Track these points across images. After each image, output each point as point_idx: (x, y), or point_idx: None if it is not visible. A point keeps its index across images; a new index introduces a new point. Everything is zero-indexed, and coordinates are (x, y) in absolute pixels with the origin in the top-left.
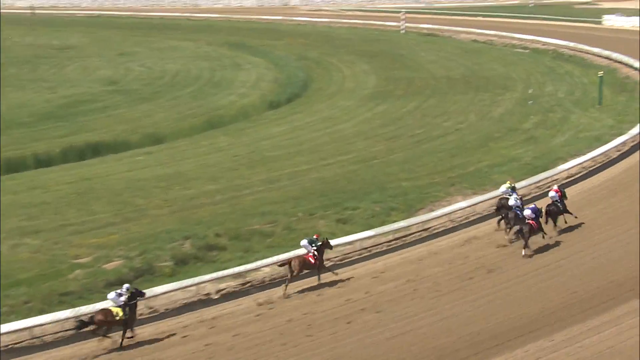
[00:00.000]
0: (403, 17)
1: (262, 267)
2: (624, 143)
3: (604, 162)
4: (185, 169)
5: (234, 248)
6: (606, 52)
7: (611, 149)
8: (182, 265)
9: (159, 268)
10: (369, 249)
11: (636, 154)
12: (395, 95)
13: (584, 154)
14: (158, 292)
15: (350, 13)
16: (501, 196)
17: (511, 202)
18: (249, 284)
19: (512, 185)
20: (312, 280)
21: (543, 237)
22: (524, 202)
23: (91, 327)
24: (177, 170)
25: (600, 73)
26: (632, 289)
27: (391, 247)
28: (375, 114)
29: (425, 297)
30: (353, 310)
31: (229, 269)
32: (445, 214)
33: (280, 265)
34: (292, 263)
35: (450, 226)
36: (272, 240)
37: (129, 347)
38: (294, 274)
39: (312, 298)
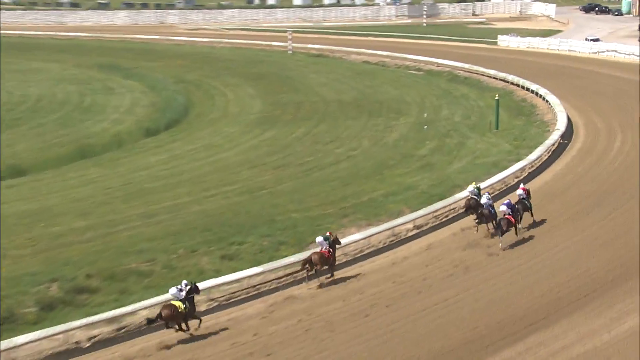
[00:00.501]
0: (290, 36)
1: (140, 310)
2: (522, 169)
3: (502, 189)
4: (52, 203)
5: (107, 290)
6: (502, 74)
7: (509, 175)
8: (49, 311)
9: (21, 315)
10: (257, 286)
11: (535, 181)
12: (283, 120)
13: (482, 181)
14: (20, 342)
15: (233, 32)
16: (469, 197)
17: (483, 200)
18: (125, 330)
19: (478, 185)
20: (191, 325)
21: (517, 233)
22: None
23: (160, 322)
24: (42, 205)
25: (497, 96)
26: (532, 323)
27: (281, 284)
28: (262, 141)
29: (318, 338)
30: (240, 355)
31: (101, 313)
32: (339, 247)
33: (303, 265)
34: (313, 258)
35: (344, 260)
36: (150, 281)
37: None
38: (317, 268)
39: (195, 344)
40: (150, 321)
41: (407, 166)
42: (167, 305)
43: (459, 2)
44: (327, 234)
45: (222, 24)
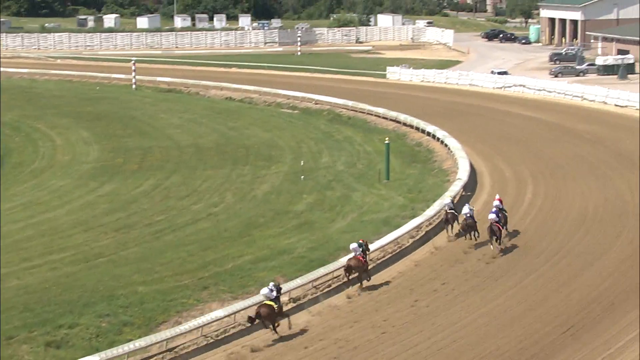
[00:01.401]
0: (134, 67)
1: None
2: (418, 227)
3: (396, 251)
4: None
5: None
6: (393, 113)
7: (404, 234)
8: None
9: None
10: None
11: (434, 241)
12: (126, 170)
13: (371, 243)
14: None
15: (61, 62)
16: (447, 210)
17: (465, 210)
18: None
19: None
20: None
21: (499, 243)
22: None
23: (258, 320)
24: None
25: (387, 140)
26: None
27: None
28: (99, 197)
29: None
30: None
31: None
32: (197, 327)
33: (346, 271)
34: (352, 263)
35: (204, 343)
36: None
37: None
38: (354, 272)
39: None
40: (251, 320)
41: (281, 225)
42: (264, 304)
43: (339, 26)
44: (360, 240)
45: (46, 51)
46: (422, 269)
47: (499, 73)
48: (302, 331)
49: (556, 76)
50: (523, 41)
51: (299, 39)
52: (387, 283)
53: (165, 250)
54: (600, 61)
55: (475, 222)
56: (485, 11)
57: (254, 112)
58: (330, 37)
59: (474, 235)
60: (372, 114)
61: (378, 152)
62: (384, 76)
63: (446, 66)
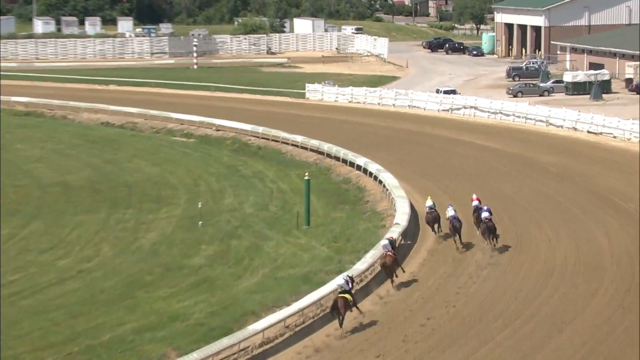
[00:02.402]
0: None
1: None
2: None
3: (318, 315)
4: None
5: None
6: (314, 142)
7: (328, 294)
8: None
9: None
10: None
11: (364, 303)
12: None
13: (288, 305)
14: None
15: None
16: (431, 211)
17: (450, 212)
18: None
19: (433, 201)
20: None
21: (496, 242)
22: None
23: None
24: None
25: (307, 175)
26: None
27: None
28: None
29: None
30: None
31: None
32: None
33: (383, 268)
34: (388, 261)
35: None
36: None
37: None
38: (392, 270)
39: None
40: (333, 310)
41: (173, 284)
42: (341, 297)
43: (246, 33)
44: (391, 238)
45: None
46: (351, 339)
47: (446, 92)
48: None
49: (515, 96)
50: (474, 52)
51: (194, 48)
52: (309, 356)
53: (22, 318)
54: (568, 77)
55: (461, 223)
56: (428, 15)
57: (138, 141)
58: (234, 47)
59: (459, 238)
60: (288, 143)
61: (296, 190)
62: (302, 95)
63: (380, 83)
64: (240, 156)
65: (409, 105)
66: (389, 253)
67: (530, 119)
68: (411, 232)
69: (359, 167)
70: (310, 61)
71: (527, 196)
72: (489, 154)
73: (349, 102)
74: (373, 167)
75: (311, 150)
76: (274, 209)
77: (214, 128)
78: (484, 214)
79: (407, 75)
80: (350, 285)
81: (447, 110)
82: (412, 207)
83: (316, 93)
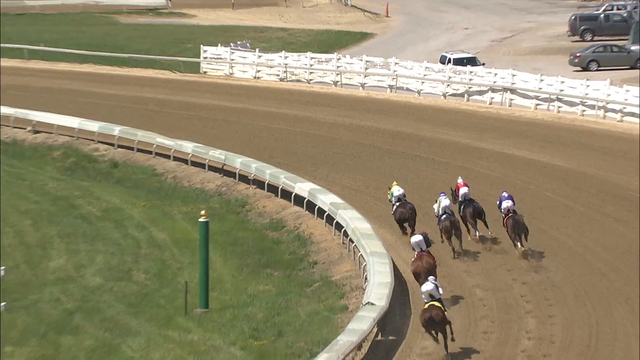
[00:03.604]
0: None
1: None
2: None
3: None
4: None
5: None
6: (217, 154)
7: None
8: None
9: None
10: None
11: None
12: None
13: None
14: None
15: None
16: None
17: (444, 203)
18: None
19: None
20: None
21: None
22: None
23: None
24: None
25: (203, 215)
26: None
27: None
28: None
29: None
30: None
31: None
32: None
33: (423, 277)
34: (428, 263)
35: None
36: None
37: None
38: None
39: None
40: (430, 325)
41: None
42: (434, 306)
43: None
44: (423, 231)
45: None
46: None
47: (458, 61)
48: None
49: (585, 68)
50: None
51: None
52: None
53: None
54: None
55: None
56: None
57: None
58: None
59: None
60: (167, 156)
61: (183, 243)
62: (195, 68)
63: (338, 45)
64: (78, 179)
65: (390, 87)
66: (424, 252)
67: (613, 109)
68: (396, 318)
69: (299, 200)
70: (210, 4)
71: (578, 240)
72: (534, 172)
73: (281, 79)
74: (325, 198)
75: (211, 168)
76: (142, 277)
77: (29, 128)
78: (507, 203)
79: (388, 31)
80: (440, 292)
81: (461, 95)
82: (396, 271)
83: (220, 63)
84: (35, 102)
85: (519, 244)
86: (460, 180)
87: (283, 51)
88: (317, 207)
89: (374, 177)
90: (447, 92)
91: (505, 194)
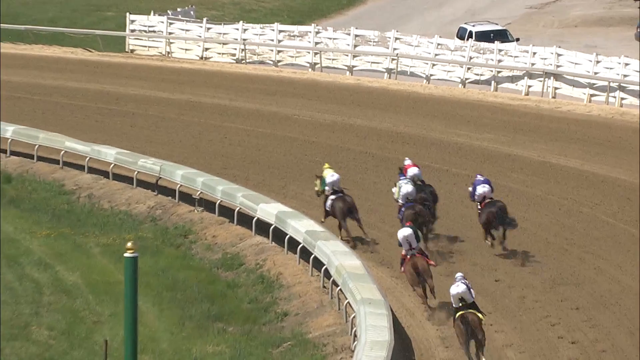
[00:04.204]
0: None
1: None
2: None
3: None
4: None
5: None
6: (148, 162)
7: None
8: None
9: None
10: None
11: None
12: None
13: None
14: None
15: None
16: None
17: (404, 190)
18: None
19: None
20: None
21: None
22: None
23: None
24: None
25: (130, 248)
26: None
27: None
28: None
29: None
30: None
31: None
32: None
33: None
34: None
35: None
36: None
37: None
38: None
39: None
40: (469, 330)
41: None
42: (470, 312)
43: None
44: (408, 223)
45: None
46: None
47: (481, 35)
48: None
49: None
50: None
51: None
52: None
53: None
54: None
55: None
56: None
57: None
58: None
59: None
60: (81, 167)
61: (101, 286)
62: (119, 43)
63: (316, 14)
64: None
65: (388, 71)
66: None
67: None
68: None
69: (263, 227)
70: None
71: None
72: (594, 196)
73: (238, 61)
74: (298, 225)
75: (141, 183)
76: (45, 334)
77: None
78: (483, 188)
79: None
80: (473, 295)
81: (487, 82)
82: (396, 326)
83: (154, 39)
84: None
85: (496, 235)
86: (408, 161)
87: (241, 22)
88: (287, 236)
89: (366, 196)
90: (467, 79)
91: (480, 177)
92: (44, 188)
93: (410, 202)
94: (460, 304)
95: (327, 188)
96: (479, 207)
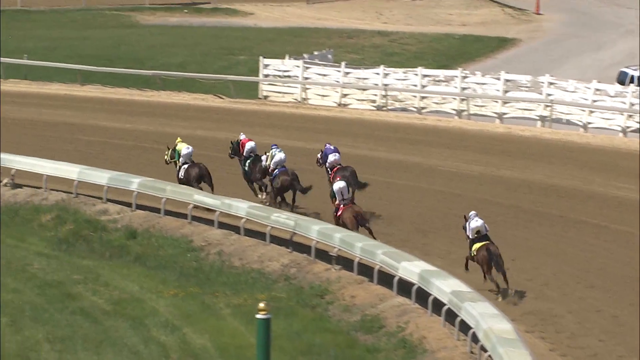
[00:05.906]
0: None
1: None
2: None
3: None
4: None
5: None
6: (283, 217)
7: None
8: None
9: None
10: None
11: None
12: None
13: None
14: None
15: None
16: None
17: (281, 156)
18: None
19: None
20: None
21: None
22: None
23: None
24: None
25: (263, 310)
26: None
27: None
28: None
29: None
30: None
31: None
32: None
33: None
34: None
35: None
36: None
37: None
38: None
39: None
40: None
41: None
42: (490, 243)
43: None
44: (339, 178)
45: None
46: None
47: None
48: None
49: None
50: None
51: None
52: None
53: None
54: None
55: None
56: None
57: None
58: None
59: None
60: (208, 220)
61: (231, 350)
62: (251, 90)
63: (466, 57)
64: (78, 256)
65: (542, 119)
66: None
67: None
68: None
69: (405, 287)
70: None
71: None
72: None
73: (379, 108)
74: (443, 285)
75: (275, 239)
76: None
77: (6, 180)
78: (333, 156)
79: (539, 35)
80: (487, 229)
81: None
82: None
83: (288, 84)
84: (14, 142)
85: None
86: (243, 136)
87: (382, 66)
88: (431, 297)
89: (517, 253)
90: (628, 127)
91: (330, 147)
92: (171, 244)
93: (283, 167)
94: (476, 236)
95: (181, 160)
96: (330, 173)
